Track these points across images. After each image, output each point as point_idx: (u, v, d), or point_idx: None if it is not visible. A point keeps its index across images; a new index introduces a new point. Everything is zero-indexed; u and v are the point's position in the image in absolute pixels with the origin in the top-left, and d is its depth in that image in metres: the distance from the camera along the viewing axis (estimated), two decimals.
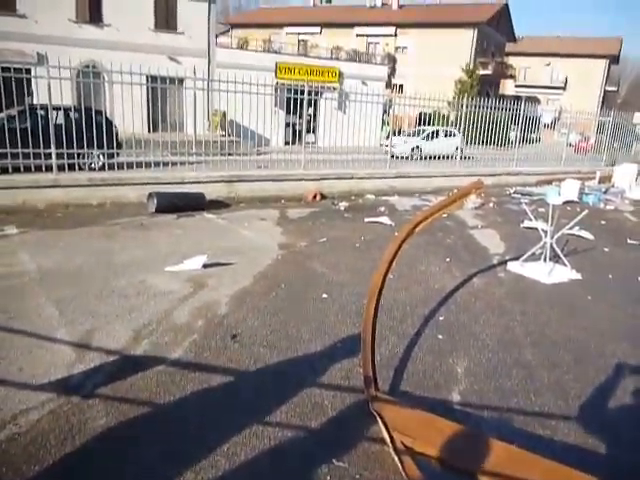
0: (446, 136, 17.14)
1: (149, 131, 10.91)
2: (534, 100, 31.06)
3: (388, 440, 2.79)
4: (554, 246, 6.48)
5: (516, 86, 44.42)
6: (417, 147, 16.11)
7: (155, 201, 8.46)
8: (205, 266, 5.71)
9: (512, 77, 43.12)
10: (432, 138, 16.51)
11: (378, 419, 2.95)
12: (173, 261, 5.80)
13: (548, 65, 47.94)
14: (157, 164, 9.73)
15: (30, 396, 3.15)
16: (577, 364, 4.03)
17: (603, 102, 44.60)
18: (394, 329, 4.45)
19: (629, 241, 8.49)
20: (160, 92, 9.75)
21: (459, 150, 14.51)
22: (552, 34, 51.21)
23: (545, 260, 6.40)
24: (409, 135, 16.39)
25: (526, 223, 8.49)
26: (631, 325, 4.98)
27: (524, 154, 15.91)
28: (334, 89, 19.22)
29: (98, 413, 3.01)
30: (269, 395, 3.33)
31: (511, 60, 44.46)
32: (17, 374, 3.39)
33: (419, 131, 17.59)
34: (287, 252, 6.71)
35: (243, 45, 25.30)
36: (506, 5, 39.56)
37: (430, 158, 13.68)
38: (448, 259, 6.78)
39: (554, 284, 6.06)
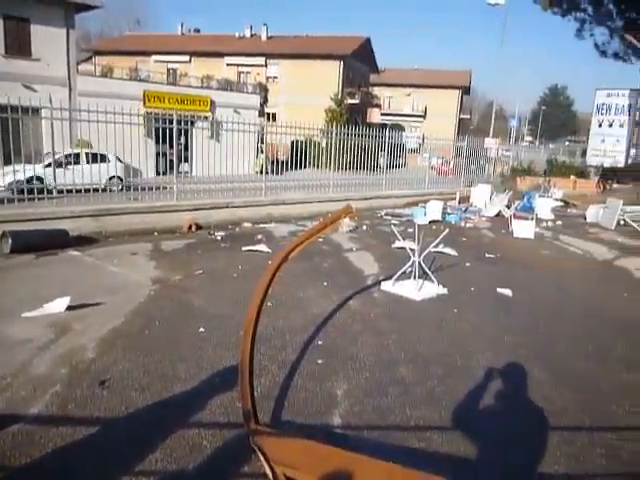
0: (92, 162, 10.96)
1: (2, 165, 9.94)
2: (399, 127, 33.12)
3: (270, 474, 2.72)
4: (422, 264, 6.88)
5: (382, 114, 47.19)
6: (35, 178, 10.19)
7: (10, 241, 7.71)
8: (69, 308, 5.28)
9: (378, 106, 45.78)
10: (70, 165, 11.39)
11: (259, 453, 2.88)
12: (32, 306, 5.28)
13: (409, 95, 51.79)
14: (11, 200, 8.91)
15: None
16: (447, 376, 4.27)
17: (459, 129, 48.99)
18: (274, 358, 4.42)
19: (487, 255, 9.28)
20: (11, 122, 8.97)
21: (118, 180, 12.59)
22: (411, 66, 55.87)
23: (414, 278, 6.77)
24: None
25: (396, 243, 8.94)
26: (493, 334, 5.39)
27: (392, 178, 16.90)
28: (206, 118, 19.04)
29: None
30: (142, 443, 3.12)
31: (376, 90, 47.35)
32: None
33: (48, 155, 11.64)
34: (161, 287, 6.43)
35: (107, 73, 24.17)
36: (368, 39, 42.10)
37: (69, 192, 10.13)
38: (325, 283, 6.92)
39: (424, 300, 6.42)
